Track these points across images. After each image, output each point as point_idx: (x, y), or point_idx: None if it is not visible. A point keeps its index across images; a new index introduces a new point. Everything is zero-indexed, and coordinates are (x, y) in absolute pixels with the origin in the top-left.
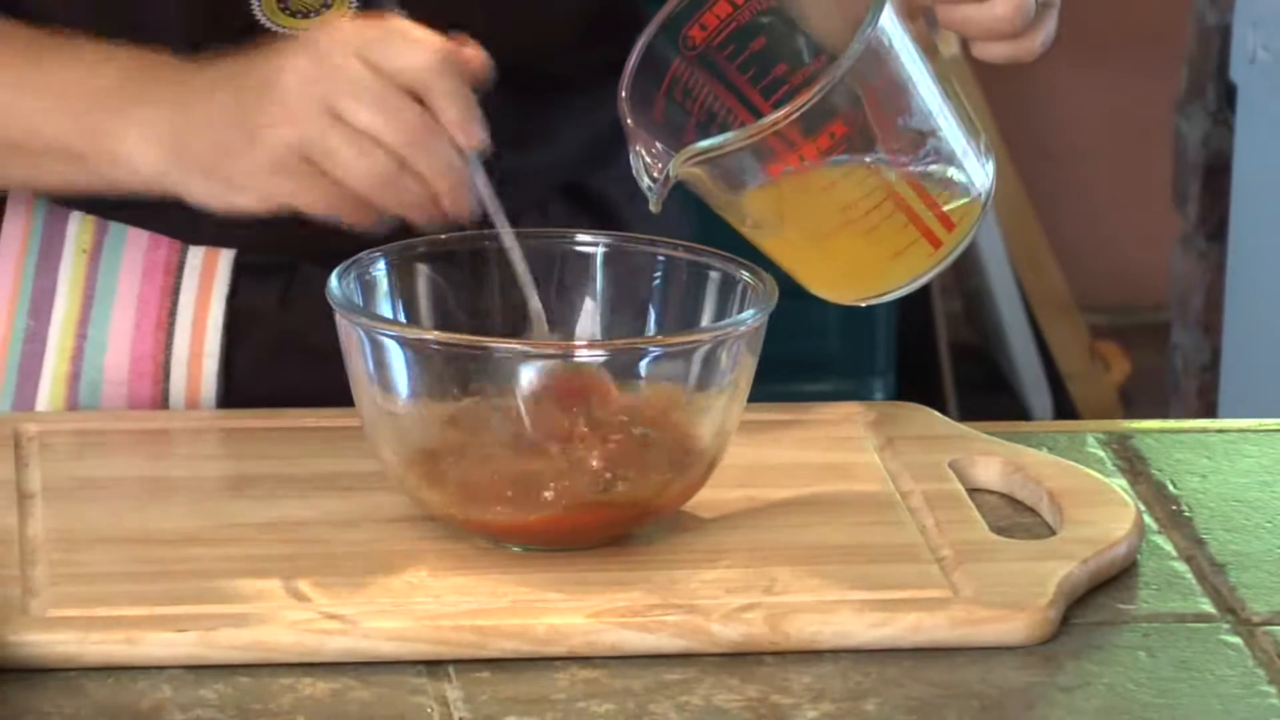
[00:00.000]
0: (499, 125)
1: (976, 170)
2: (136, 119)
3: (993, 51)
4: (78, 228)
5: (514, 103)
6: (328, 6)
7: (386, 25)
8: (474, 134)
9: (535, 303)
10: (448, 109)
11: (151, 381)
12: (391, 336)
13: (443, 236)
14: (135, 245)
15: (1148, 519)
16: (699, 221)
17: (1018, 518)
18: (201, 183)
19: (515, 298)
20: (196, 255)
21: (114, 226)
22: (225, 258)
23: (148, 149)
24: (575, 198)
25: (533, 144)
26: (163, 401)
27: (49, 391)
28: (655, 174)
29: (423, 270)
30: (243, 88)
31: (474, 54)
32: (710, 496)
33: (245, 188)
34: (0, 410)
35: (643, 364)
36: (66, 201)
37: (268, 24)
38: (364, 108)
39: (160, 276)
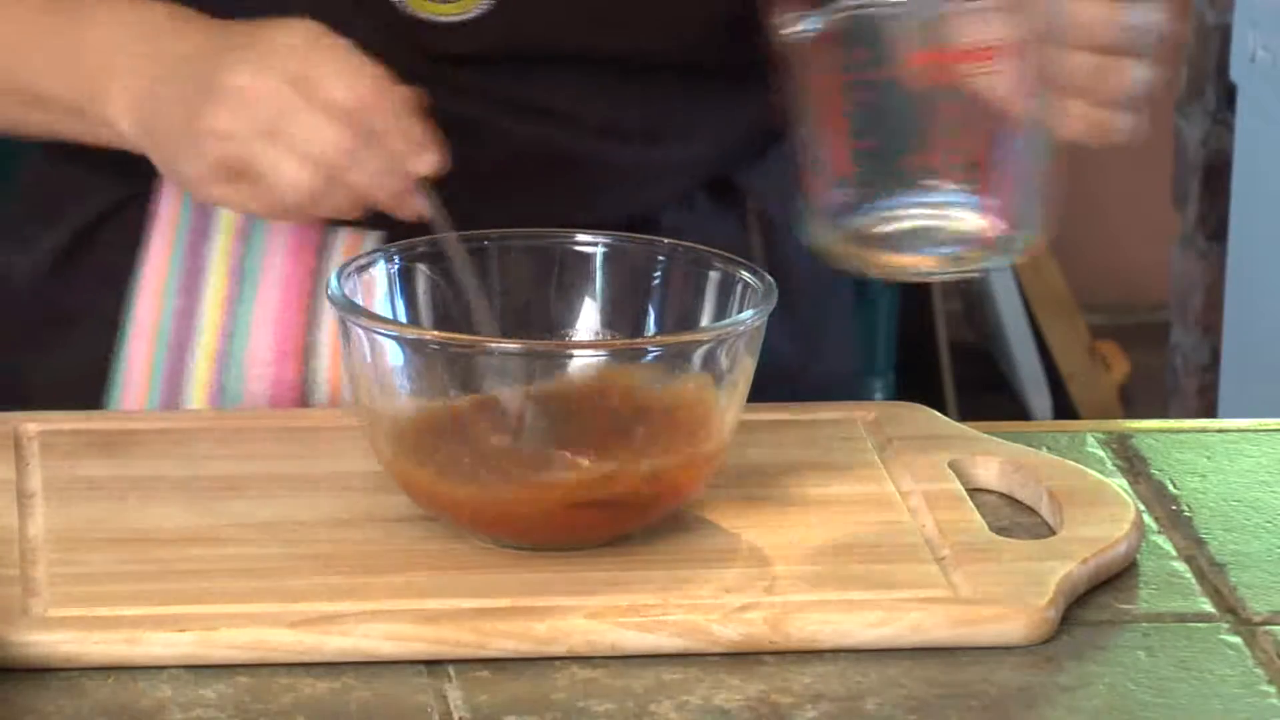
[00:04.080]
0: (632, 118)
1: None
2: (121, 86)
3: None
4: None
5: (647, 94)
6: None
7: (324, 54)
8: (427, 160)
9: (489, 323)
10: (394, 143)
11: (295, 363)
12: (391, 336)
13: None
14: (282, 224)
15: (1148, 519)
16: None
17: (1018, 518)
18: (163, 167)
19: (515, 298)
20: (341, 236)
21: None
22: (370, 240)
23: (126, 117)
24: (722, 193)
25: (668, 137)
26: (305, 383)
27: (197, 371)
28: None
29: (422, 270)
30: (198, 80)
31: (402, 88)
32: (710, 496)
33: (189, 184)
34: (149, 394)
35: (642, 364)
36: None
37: (410, 11)
38: (297, 131)
39: (306, 256)
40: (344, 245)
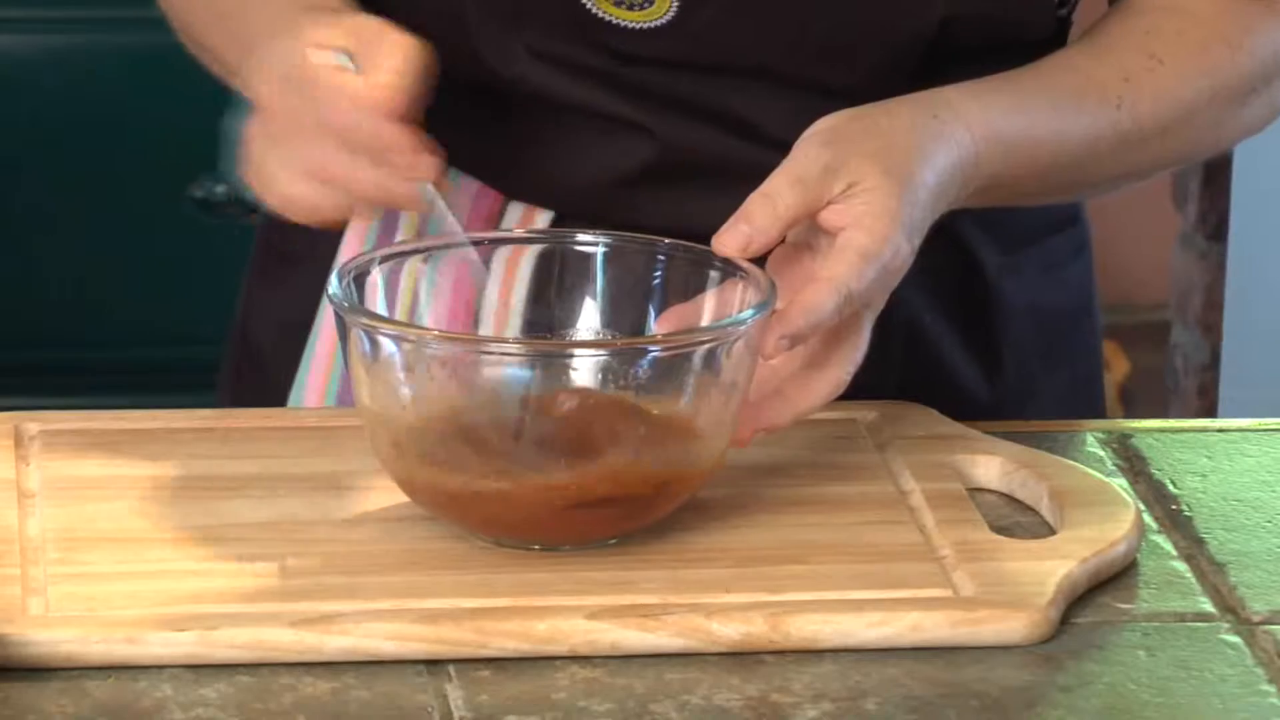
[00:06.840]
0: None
1: None
2: (257, 61)
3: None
4: None
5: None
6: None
7: (324, 76)
8: (423, 168)
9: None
10: (393, 159)
11: (463, 328)
12: (391, 336)
13: (442, 238)
14: (465, 193)
15: (1148, 519)
16: None
17: (1018, 517)
18: None
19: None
20: (516, 211)
21: (451, 173)
22: (542, 218)
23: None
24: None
25: None
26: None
27: None
28: None
29: (423, 270)
30: (250, 79)
31: (385, 92)
32: (711, 496)
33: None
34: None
35: (643, 364)
36: None
37: (595, 10)
38: (293, 145)
39: (480, 225)
40: (517, 219)
